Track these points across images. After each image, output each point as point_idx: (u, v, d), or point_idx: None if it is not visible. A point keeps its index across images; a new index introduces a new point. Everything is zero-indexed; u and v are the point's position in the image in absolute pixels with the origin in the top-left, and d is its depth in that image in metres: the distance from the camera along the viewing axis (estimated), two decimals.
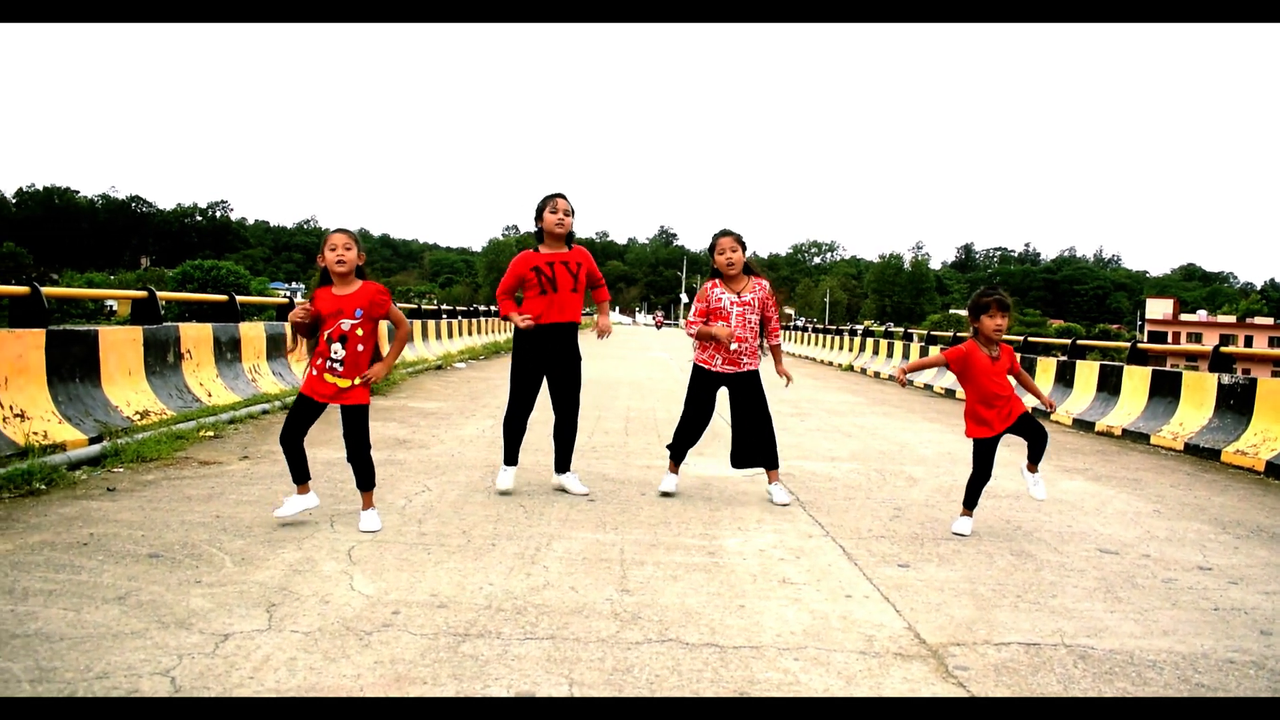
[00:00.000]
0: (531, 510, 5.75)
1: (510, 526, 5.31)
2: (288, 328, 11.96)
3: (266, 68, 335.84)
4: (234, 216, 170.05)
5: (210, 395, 9.53)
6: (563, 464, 6.39)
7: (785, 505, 6.16)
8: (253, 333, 11.14)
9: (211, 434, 8.07)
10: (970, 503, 5.71)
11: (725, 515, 5.87)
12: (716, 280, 6.26)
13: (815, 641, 3.66)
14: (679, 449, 6.47)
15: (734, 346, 6.17)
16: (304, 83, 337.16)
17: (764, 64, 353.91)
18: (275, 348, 11.69)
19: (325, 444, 7.47)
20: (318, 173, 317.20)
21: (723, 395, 6.53)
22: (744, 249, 6.22)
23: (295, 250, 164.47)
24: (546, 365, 6.19)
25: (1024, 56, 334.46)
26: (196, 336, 9.75)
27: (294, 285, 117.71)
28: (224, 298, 11.69)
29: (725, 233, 6.23)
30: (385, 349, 5.19)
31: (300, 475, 5.14)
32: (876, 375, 22.27)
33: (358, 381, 5.00)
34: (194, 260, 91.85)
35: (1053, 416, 12.76)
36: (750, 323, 6.22)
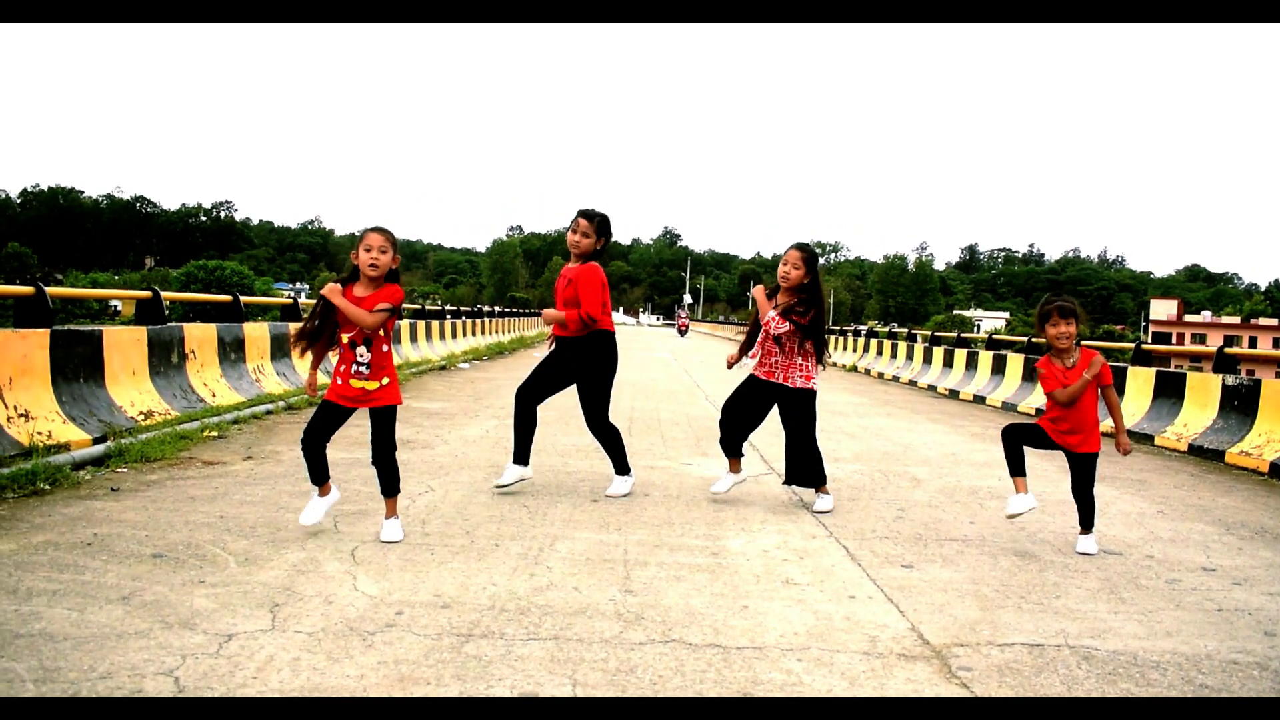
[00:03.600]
0: (535, 511, 5.75)
1: (514, 527, 5.31)
2: (292, 328, 11.99)
3: (270, 67, 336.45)
4: (238, 217, 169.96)
5: (214, 395, 9.55)
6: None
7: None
8: (257, 333, 11.15)
9: (215, 434, 8.08)
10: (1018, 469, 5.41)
11: (729, 516, 5.87)
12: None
13: (818, 642, 3.66)
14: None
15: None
16: (308, 82, 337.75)
17: (769, 64, 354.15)
18: (279, 348, 11.70)
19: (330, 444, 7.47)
20: (322, 172, 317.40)
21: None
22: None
23: (299, 250, 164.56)
24: (563, 370, 6.28)
25: (1028, 56, 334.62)
26: (201, 337, 9.77)
27: (298, 285, 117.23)
28: (228, 298, 11.74)
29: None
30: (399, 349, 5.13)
31: (320, 476, 5.00)
32: (880, 376, 22.25)
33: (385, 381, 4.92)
34: (198, 260, 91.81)
35: None
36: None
